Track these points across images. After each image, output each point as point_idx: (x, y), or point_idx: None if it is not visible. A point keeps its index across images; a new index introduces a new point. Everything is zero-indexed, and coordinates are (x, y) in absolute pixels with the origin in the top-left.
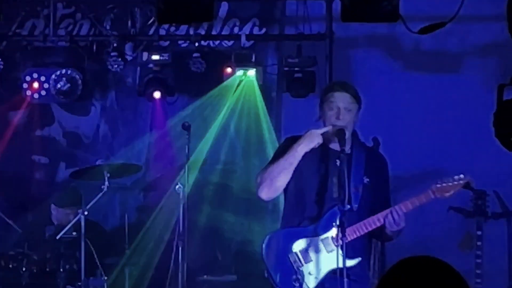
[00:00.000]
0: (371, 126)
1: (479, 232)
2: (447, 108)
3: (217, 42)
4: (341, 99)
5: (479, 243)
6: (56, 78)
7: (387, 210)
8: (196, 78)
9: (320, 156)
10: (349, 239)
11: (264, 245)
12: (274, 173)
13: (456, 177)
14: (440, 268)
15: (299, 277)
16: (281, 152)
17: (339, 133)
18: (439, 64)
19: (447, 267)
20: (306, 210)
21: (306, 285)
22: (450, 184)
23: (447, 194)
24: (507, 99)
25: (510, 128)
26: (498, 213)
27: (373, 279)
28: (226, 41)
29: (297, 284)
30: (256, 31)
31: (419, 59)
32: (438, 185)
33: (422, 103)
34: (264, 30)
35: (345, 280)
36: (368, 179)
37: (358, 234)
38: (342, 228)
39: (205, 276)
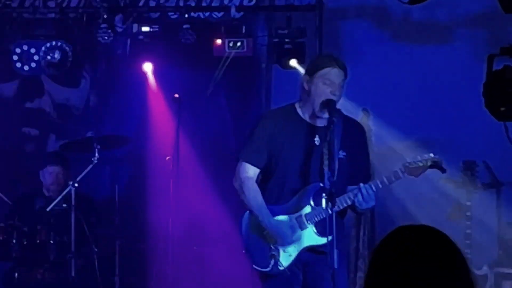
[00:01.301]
0: (360, 97)
1: (468, 203)
2: (437, 78)
3: (207, 14)
4: (337, 76)
5: (468, 213)
6: (46, 50)
7: (356, 190)
8: (186, 49)
9: (305, 132)
10: (320, 218)
11: (243, 222)
12: (243, 199)
13: (425, 155)
14: (436, 237)
15: (275, 254)
16: (259, 132)
17: (330, 103)
18: (428, 34)
19: (443, 236)
20: (290, 186)
21: (281, 262)
22: (419, 163)
23: (416, 173)
24: (497, 70)
25: (500, 98)
26: (488, 183)
27: (363, 250)
28: (216, 13)
29: (272, 262)
30: (246, 2)
31: (409, 29)
32: (407, 165)
33: (412, 73)
34: (254, 1)
35: (335, 251)
36: (344, 153)
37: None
38: (332, 199)
39: (194, 248)
